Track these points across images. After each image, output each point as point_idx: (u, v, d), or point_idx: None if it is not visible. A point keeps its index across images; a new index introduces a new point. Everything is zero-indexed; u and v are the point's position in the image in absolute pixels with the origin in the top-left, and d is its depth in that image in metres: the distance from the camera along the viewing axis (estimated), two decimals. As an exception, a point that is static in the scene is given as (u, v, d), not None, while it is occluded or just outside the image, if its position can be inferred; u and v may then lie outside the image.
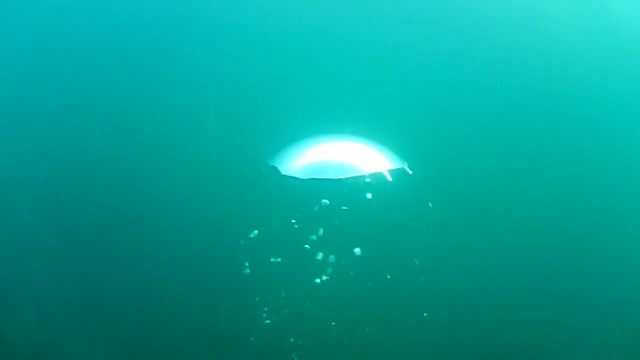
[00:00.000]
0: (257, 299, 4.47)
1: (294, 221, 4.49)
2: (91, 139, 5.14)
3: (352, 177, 4.25)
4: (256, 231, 4.53)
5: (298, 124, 4.92)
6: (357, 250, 4.32)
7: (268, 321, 4.35)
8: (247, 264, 4.53)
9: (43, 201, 4.93)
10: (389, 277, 4.51)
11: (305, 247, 4.44)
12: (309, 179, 4.22)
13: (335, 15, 5.56)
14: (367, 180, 4.20)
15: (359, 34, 5.50)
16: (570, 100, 5.38)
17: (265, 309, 4.40)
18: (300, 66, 5.35)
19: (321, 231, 4.43)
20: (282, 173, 4.33)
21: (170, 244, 4.76)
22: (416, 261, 4.41)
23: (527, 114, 5.28)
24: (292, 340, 4.36)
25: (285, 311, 4.44)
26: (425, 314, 4.50)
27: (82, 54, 5.53)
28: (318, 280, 4.42)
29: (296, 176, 4.25)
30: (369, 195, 4.34)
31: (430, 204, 4.63)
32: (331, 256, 4.40)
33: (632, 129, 5.29)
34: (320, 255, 4.43)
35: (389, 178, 4.22)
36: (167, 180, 4.94)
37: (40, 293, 4.62)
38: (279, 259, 4.52)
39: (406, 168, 4.22)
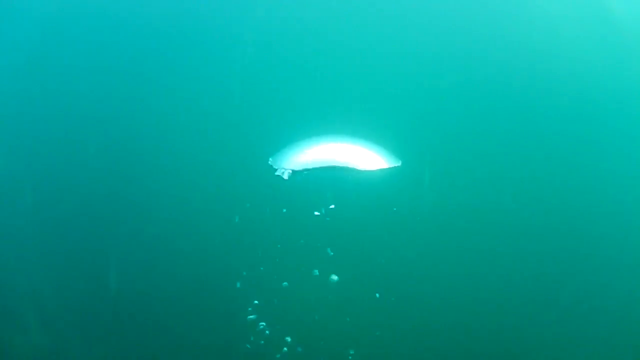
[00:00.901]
0: (255, 300, 4.49)
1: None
2: (92, 140, 5.16)
3: (346, 173, 4.30)
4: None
5: (295, 124, 4.95)
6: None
7: (263, 324, 4.37)
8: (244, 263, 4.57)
9: (43, 204, 4.97)
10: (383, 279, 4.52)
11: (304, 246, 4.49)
12: (307, 170, 4.27)
13: (332, 18, 5.59)
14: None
15: (355, 36, 5.51)
16: (569, 101, 5.36)
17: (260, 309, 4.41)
18: (297, 68, 5.37)
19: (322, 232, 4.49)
20: (279, 172, 4.37)
21: (167, 244, 4.79)
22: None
23: (524, 116, 5.29)
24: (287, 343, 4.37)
25: (281, 312, 4.46)
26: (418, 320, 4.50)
27: (81, 53, 5.57)
28: (315, 281, 4.43)
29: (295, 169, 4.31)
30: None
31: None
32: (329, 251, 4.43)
33: (632, 131, 5.26)
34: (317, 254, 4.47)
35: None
36: (165, 181, 4.97)
37: (40, 295, 4.65)
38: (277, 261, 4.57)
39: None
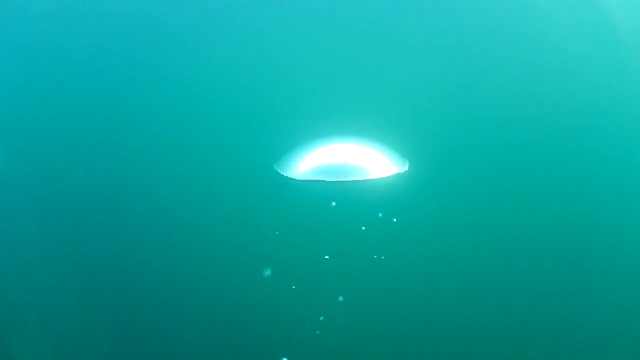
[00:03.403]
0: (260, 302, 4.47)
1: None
2: (92, 143, 5.14)
3: (357, 180, 4.26)
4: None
5: (301, 126, 4.92)
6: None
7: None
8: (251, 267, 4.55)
9: (43, 205, 4.93)
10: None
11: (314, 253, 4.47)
12: (314, 180, 4.22)
13: (336, 17, 5.56)
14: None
15: (361, 35, 5.48)
16: (570, 103, 5.34)
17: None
18: (303, 67, 5.32)
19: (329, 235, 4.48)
20: (287, 175, 4.32)
21: (172, 247, 4.76)
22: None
23: (534, 118, 5.26)
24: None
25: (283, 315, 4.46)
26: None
27: (81, 54, 5.52)
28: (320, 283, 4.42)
29: (300, 178, 4.24)
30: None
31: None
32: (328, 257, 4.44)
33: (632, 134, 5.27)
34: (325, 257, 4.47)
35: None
36: (169, 185, 4.93)
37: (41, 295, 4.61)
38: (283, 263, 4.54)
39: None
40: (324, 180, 4.13)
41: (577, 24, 5.62)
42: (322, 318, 4.39)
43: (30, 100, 5.34)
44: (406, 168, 4.34)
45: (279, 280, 4.51)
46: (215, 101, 5.27)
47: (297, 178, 4.17)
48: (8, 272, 4.71)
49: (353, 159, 4.26)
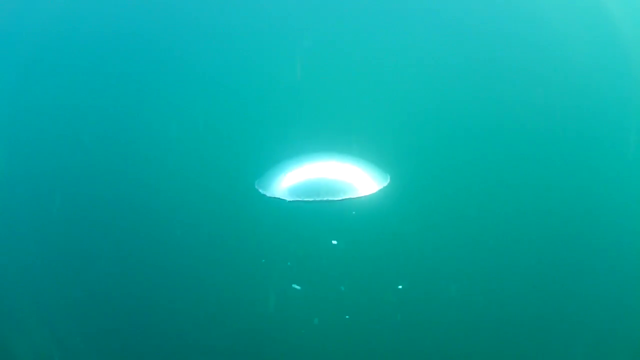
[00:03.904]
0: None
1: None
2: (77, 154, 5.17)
3: (342, 200, 4.26)
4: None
5: (281, 144, 4.89)
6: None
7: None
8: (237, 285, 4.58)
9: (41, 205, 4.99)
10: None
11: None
12: (296, 201, 4.22)
13: (315, 35, 5.49)
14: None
15: (341, 53, 5.44)
16: (570, 105, 5.30)
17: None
18: (282, 86, 5.29)
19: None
20: (268, 195, 4.33)
21: (165, 252, 4.79)
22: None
23: (513, 131, 5.23)
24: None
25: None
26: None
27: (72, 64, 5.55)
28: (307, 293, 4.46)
29: (283, 198, 4.25)
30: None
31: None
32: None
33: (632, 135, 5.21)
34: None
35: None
36: (153, 198, 4.92)
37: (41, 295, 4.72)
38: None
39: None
40: (308, 200, 4.13)
41: (570, 26, 5.55)
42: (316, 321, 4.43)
43: (25, 102, 5.38)
44: (387, 182, 4.34)
45: (264, 298, 4.55)
46: (196, 118, 5.22)
47: (280, 198, 4.16)
48: (8, 272, 4.81)
49: (334, 176, 4.25)
